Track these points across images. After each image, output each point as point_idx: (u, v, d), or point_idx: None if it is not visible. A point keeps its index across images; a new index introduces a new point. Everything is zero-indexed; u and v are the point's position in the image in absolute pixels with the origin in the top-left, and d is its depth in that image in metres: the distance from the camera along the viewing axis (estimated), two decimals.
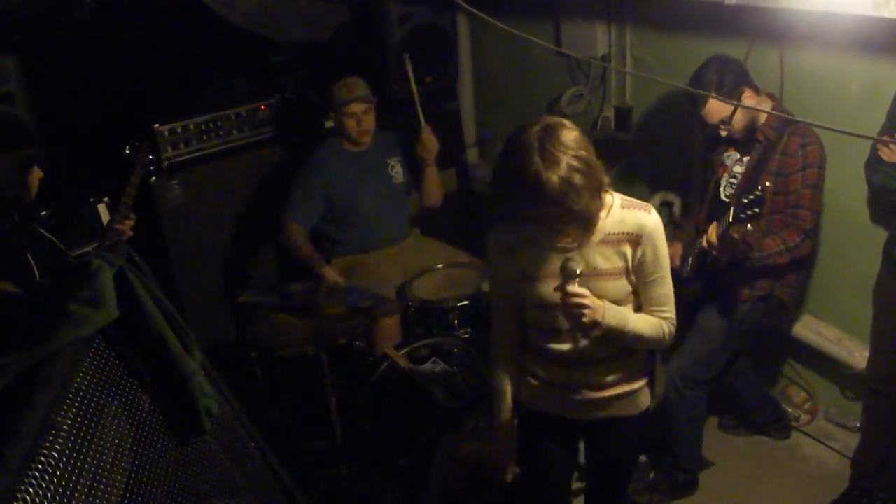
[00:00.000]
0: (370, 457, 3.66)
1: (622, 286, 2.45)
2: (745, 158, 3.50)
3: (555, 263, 2.38)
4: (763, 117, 3.40)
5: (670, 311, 2.52)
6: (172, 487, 1.56)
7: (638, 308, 2.53)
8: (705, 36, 3.95)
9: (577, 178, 2.13)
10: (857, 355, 3.71)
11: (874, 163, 3.22)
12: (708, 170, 3.71)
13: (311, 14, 4.96)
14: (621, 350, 2.55)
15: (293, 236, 4.23)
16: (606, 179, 2.29)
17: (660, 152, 4.59)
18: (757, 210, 3.06)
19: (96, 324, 1.34)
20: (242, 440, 1.91)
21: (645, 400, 2.71)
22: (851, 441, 3.85)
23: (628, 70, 4.62)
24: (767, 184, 3.16)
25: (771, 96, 3.49)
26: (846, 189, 3.64)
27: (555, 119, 2.25)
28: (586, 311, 2.31)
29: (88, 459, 1.28)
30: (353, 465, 3.69)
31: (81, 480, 1.24)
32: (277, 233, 4.34)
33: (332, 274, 4.17)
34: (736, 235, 3.21)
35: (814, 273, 3.90)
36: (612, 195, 2.42)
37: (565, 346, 2.52)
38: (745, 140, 3.46)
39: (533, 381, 2.68)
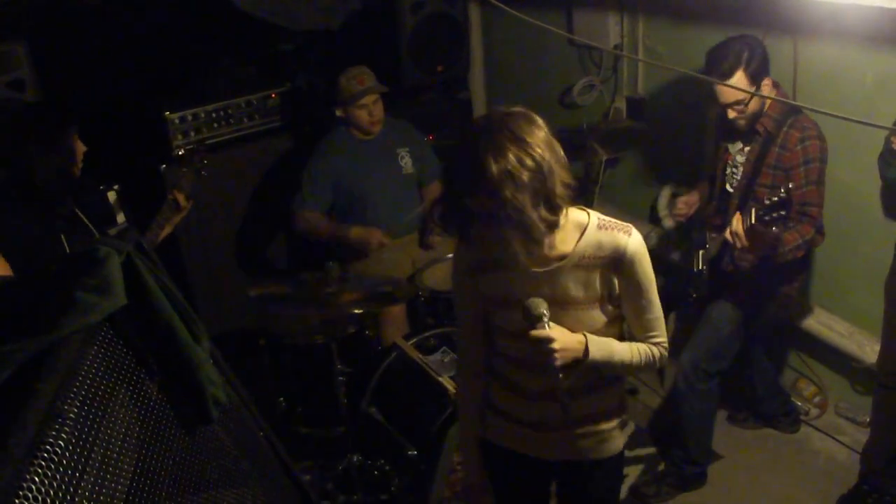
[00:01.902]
0: (378, 446, 3.66)
1: (597, 317, 2.21)
2: (747, 149, 3.48)
3: (521, 288, 2.16)
4: (767, 106, 3.37)
5: (662, 336, 2.29)
6: (180, 477, 1.55)
7: (622, 335, 2.31)
8: (718, 27, 3.91)
9: (523, 175, 1.90)
10: (867, 349, 3.70)
11: (888, 157, 3.20)
12: (716, 159, 3.69)
13: (322, 2, 4.95)
14: (593, 383, 2.33)
15: (309, 221, 4.24)
16: (566, 192, 2.02)
17: (671, 143, 4.56)
18: (783, 213, 3.02)
19: (103, 311, 1.33)
20: (251, 429, 1.90)
21: (619, 443, 2.47)
22: (861, 436, 3.83)
23: (640, 58, 4.60)
24: (791, 185, 3.08)
25: (776, 85, 3.45)
26: (859, 183, 3.62)
27: (524, 112, 2.03)
28: (557, 356, 2.07)
29: (95, 448, 1.27)
30: (361, 455, 3.68)
31: (88, 470, 1.24)
32: (291, 223, 4.32)
33: (364, 231, 4.21)
34: (762, 228, 3.18)
35: (825, 267, 3.88)
36: (587, 214, 2.19)
37: (535, 380, 2.29)
38: (747, 129, 3.42)
39: (497, 416, 2.46)
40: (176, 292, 1.56)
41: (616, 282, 2.18)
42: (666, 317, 3.84)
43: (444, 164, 2.23)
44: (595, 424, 2.40)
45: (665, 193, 4.63)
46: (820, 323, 3.90)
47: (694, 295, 3.76)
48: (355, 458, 3.69)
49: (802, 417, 4.12)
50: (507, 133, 1.93)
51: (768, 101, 3.35)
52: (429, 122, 4.97)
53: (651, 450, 4.06)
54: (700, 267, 3.70)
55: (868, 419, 3.81)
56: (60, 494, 1.15)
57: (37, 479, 1.12)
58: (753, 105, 3.32)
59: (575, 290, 2.18)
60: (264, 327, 3.93)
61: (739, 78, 3.23)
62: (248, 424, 1.88)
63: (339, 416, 3.71)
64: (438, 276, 4.23)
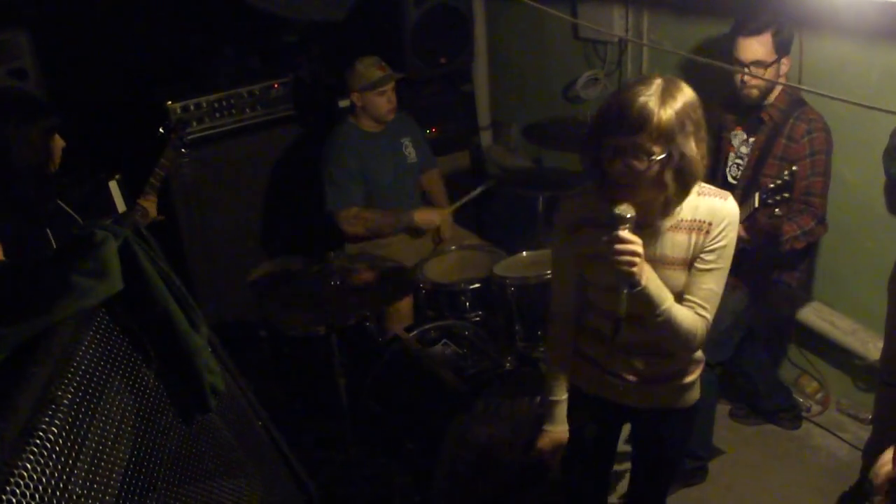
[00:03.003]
0: (378, 439, 3.65)
1: (682, 279, 2.29)
2: (751, 139, 3.46)
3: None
4: (772, 96, 3.35)
5: (710, 313, 2.32)
6: (177, 467, 1.54)
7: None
8: (723, 21, 3.89)
9: (689, 125, 2.03)
10: (870, 346, 3.68)
11: (893, 152, 3.19)
12: (718, 148, 3.66)
13: None
14: (665, 350, 2.46)
15: (359, 217, 4.23)
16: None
17: None
18: (787, 195, 3.01)
19: (100, 295, 1.32)
20: (249, 420, 1.89)
21: (695, 394, 2.62)
22: (863, 433, 3.82)
23: (645, 42, 4.58)
24: (794, 168, 3.07)
25: (786, 77, 3.43)
26: (863, 179, 3.59)
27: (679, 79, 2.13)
28: (636, 260, 2.10)
29: (89, 436, 1.26)
30: (361, 447, 3.67)
31: (81, 457, 1.22)
32: (338, 226, 4.27)
33: (428, 212, 4.32)
34: (762, 218, 3.17)
35: (829, 263, 3.86)
36: None
37: (615, 334, 2.32)
38: (752, 113, 3.40)
39: (587, 365, 2.60)
40: (174, 278, 1.55)
41: (702, 243, 2.24)
42: None
43: (593, 120, 2.22)
44: (672, 381, 2.53)
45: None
46: (823, 319, 3.87)
47: None
48: (354, 451, 3.68)
49: (804, 414, 4.10)
50: (676, 89, 2.03)
51: (776, 88, 3.33)
52: (431, 114, 4.97)
53: None
54: None
55: (870, 416, 3.79)
56: (53, 482, 1.13)
57: (28, 465, 1.10)
58: (770, 74, 3.29)
59: (671, 250, 2.27)
60: (264, 318, 3.91)
61: (767, 39, 3.24)
62: (247, 415, 1.86)
63: (339, 408, 3.69)
64: (440, 269, 4.22)
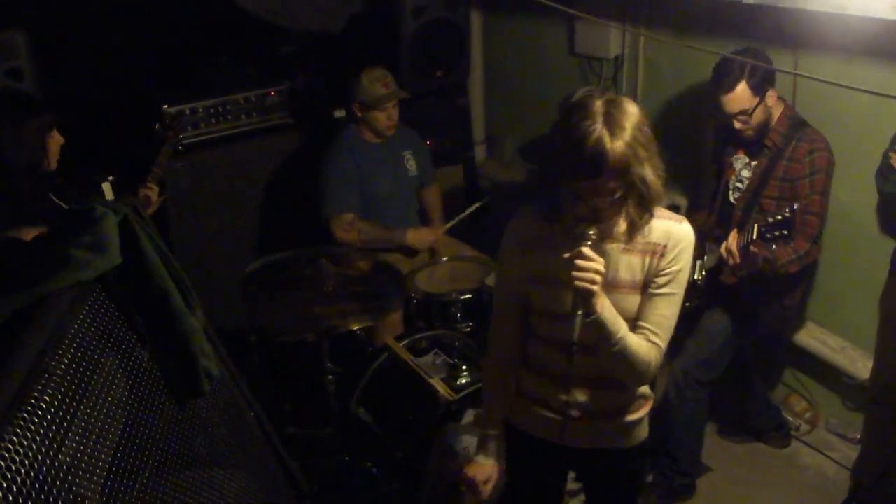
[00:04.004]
0: (367, 447, 3.62)
1: (635, 304, 2.21)
2: (753, 163, 3.48)
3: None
4: (775, 121, 3.38)
5: (663, 341, 2.21)
6: (167, 449, 1.52)
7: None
8: (719, 40, 3.93)
9: (641, 151, 1.98)
10: (859, 365, 3.69)
11: (886, 171, 3.21)
12: (718, 171, 3.69)
13: (324, 4, 4.96)
14: (616, 381, 2.31)
15: (353, 225, 4.21)
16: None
17: (669, 154, 4.54)
18: (786, 232, 3.02)
19: (97, 269, 1.31)
20: (241, 409, 1.88)
21: (642, 433, 2.49)
22: (851, 452, 3.82)
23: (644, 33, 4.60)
24: (796, 206, 3.07)
25: (782, 100, 3.47)
26: (854, 198, 3.62)
27: (619, 97, 2.08)
28: (597, 279, 2.02)
29: (81, 407, 1.25)
30: (350, 456, 3.64)
31: (73, 429, 1.21)
32: (331, 232, 4.24)
33: (421, 232, 4.30)
34: (756, 249, 3.19)
35: (819, 281, 3.88)
36: None
37: (569, 363, 2.20)
38: (755, 141, 3.43)
39: (525, 402, 2.46)
40: (172, 259, 1.54)
41: (656, 267, 2.18)
42: None
43: (545, 157, 2.20)
44: (619, 417, 2.40)
45: (661, 205, 4.61)
46: (813, 338, 3.88)
47: (687, 304, 3.75)
48: (343, 459, 3.65)
49: (793, 433, 4.10)
50: (621, 112, 1.97)
51: (776, 114, 3.36)
52: (427, 127, 4.96)
53: None
54: (697, 277, 3.69)
55: (858, 436, 3.80)
56: (43, 450, 1.12)
57: (18, 431, 1.09)
58: (759, 115, 3.33)
59: (624, 273, 2.19)
60: (255, 324, 3.89)
61: (742, 89, 3.26)
62: (240, 405, 1.85)
63: (328, 415, 3.67)
64: (432, 279, 4.22)
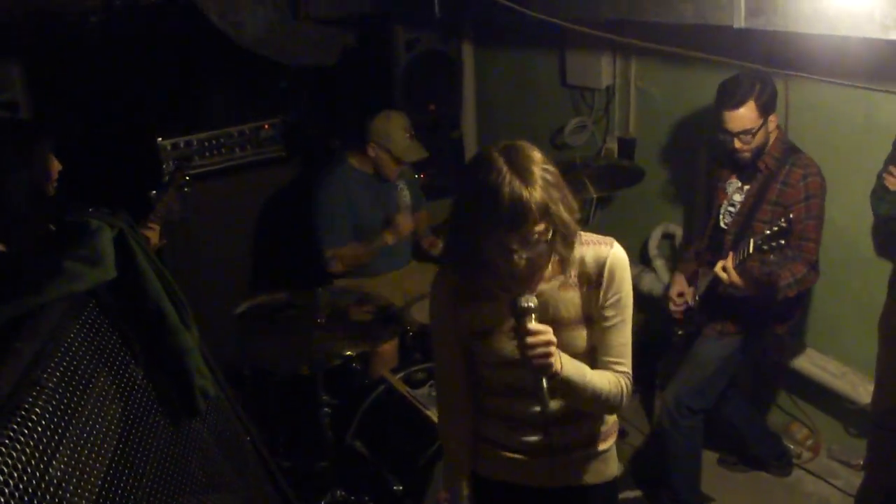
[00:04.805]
0: (364, 480, 3.58)
1: (582, 339, 2.16)
2: (746, 187, 3.48)
3: (509, 314, 2.04)
4: (769, 145, 3.39)
5: (627, 366, 2.18)
6: (162, 469, 1.49)
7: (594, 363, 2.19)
8: (709, 67, 3.94)
9: (553, 191, 1.92)
10: (860, 389, 3.66)
11: (880, 192, 3.21)
12: (710, 198, 3.69)
13: (317, 38, 4.98)
14: (580, 411, 2.25)
15: (345, 256, 4.23)
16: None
17: (662, 183, 4.57)
18: (783, 241, 3.01)
19: (91, 281, 1.29)
20: (237, 433, 1.84)
21: (613, 468, 2.41)
22: (854, 479, 3.77)
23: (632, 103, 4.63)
24: (791, 215, 3.07)
25: (777, 126, 3.48)
26: (849, 221, 3.62)
27: (516, 141, 2.00)
28: (551, 350, 1.95)
29: (73, 422, 1.22)
30: (345, 490, 3.59)
31: (64, 443, 1.18)
32: (326, 267, 4.26)
33: (395, 228, 4.25)
34: (755, 264, 3.18)
35: (817, 306, 3.87)
36: None
37: (530, 408, 2.19)
38: (749, 165, 3.43)
39: (488, 447, 2.37)
40: (168, 276, 1.52)
41: (596, 298, 2.13)
42: (654, 355, 3.83)
43: (457, 218, 2.07)
44: (587, 448, 2.33)
45: (656, 234, 4.63)
46: (812, 363, 3.86)
47: (680, 332, 3.75)
48: (339, 493, 3.60)
49: (795, 460, 4.05)
50: (523, 159, 1.92)
51: (772, 138, 3.37)
52: (420, 160, 4.98)
53: (638, 493, 3.98)
54: (691, 303, 3.68)
55: (861, 462, 3.75)
56: (33, 463, 1.09)
57: (7, 441, 1.06)
58: (760, 137, 3.33)
59: (564, 309, 2.13)
60: (248, 357, 3.86)
61: (750, 108, 3.27)
62: (235, 428, 1.81)
63: (324, 449, 3.63)
64: (427, 311, 4.18)
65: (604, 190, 4.13)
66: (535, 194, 1.88)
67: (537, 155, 1.96)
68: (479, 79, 5.52)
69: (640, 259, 4.72)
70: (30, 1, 3.45)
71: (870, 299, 3.46)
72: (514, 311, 1.96)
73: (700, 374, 3.57)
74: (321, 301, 3.57)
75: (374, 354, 4.14)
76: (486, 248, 1.98)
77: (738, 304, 3.43)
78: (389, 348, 4.16)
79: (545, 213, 1.90)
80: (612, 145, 4.80)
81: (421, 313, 4.15)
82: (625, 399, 2.18)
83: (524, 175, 1.89)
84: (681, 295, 3.73)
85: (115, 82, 4.53)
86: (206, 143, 4.55)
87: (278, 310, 3.71)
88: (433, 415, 3.46)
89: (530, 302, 1.95)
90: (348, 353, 3.50)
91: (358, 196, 4.27)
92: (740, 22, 3.16)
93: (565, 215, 1.95)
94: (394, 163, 4.24)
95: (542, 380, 1.98)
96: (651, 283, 4.58)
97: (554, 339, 1.96)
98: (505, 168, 1.89)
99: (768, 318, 3.49)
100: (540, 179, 1.90)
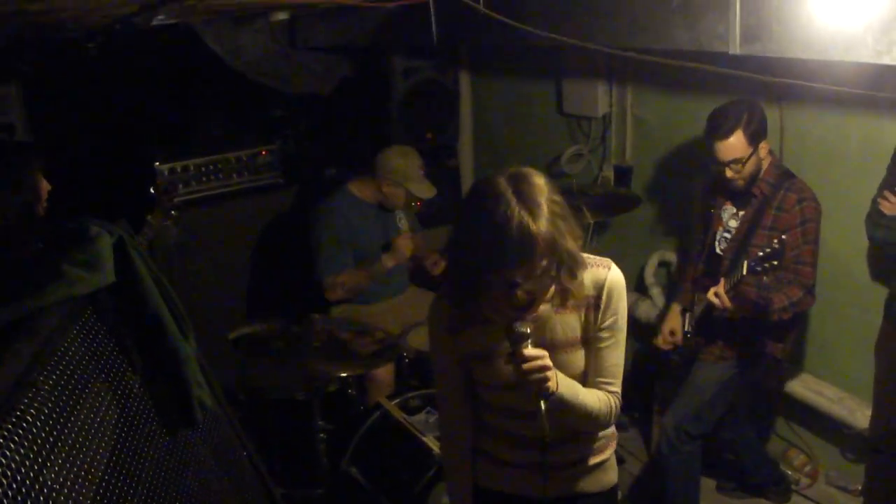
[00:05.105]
0: None
1: (580, 360, 2.17)
2: (741, 213, 3.50)
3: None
4: (763, 171, 3.41)
5: (618, 386, 2.19)
6: (158, 479, 1.47)
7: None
8: (705, 95, 3.97)
9: (560, 223, 1.88)
10: (858, 414, 3.64)
11: (875, 217, 3.21)
12: (706, 224, 3.70)
13: (315, 66, 5.03)
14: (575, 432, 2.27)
15: (343, 283, 4.21)
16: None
17: (658, 211, 4.59)
18: (775, 262, 3.02)
19: (90, 285, 1.29)
20: (235, 448, 1.82)
21: (612, 476, 2.42)
22: None
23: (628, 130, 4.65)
24: (784, 237, 3.09)
25: (771, 153, 3.50)
26: (845, 246, 3.63)
27: (520, 168, 1.96)
28: (549, 375, 1.95)
29: (69, 426, 1.21)
30: None
31: (59, 446, 1.17)
32: (325, 293, 4.24)
33: (395, 252, 4.23)
34: (750, 288, 3.18)
35: (813, 331, 3.86)
36: None
37: (531, 428, 2.13)
38: (743, 191, 3.45)
39: (488, 460, 2.38)
40: (167, 285, 1.51)
41: (594, 319, 2.14)
42: (650, 382, 3.80)
43: (460, 247, 2.02)
44: (585, 461, 2.34)
45: (652, 262, 4.63)
46: (809, 389, 3.85)
47: (677, 359, 3.74)
48: None
49: (793, 487, 4.03)
50: (530, 188, 1.87)
51: (765, 165, 3.39)
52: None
53: None
54: (686, 329, 3.68)
55: (860, 487, 3.73)
56: (27, 464, 1.08)
57: (2, 441, 1.05)
58: (751, 165, 3.35)
59: (562, 333, 2.14)
60: (244, 381, 3.84)
61: (739, 137, 3.29)
62: (233, 442, 1.79)
63: (319, 475, 3.60)
64: (424, 337, 4.17)
65: (600, 215, 4.14)
66: (543, 229, 1.84)
67: (544, 183, 1.92)
68: (477, 108, 5.56)
69: (636, 287, 4.73)
70: (29, 26, 3.48)
71: (866, 324, 3.45)
72: (510, 337, 1.96)
73: (699, 399, 3.56)
74: (317, 327, 3.57)
75: (371, 381, 4.13)
76: (487, 280, 1.95)
77: (733, 327, 3.43)
78: (386, 374, 4.15)
79: (552, 247, 1.87)
80: (609, 173, 4.82)
81: (418, 340, 4.13)
82: (612, 418, 2.20)
83: (532, 208, 1.84)
84: (672, 334, 3.74)
85: (114, 106, 4.55)
86: (203, 169, 4.57)
87: (274, 336, 3.70)
88: (430, 441, 3.44)
89: (526, 328, 1.95)
90: (343, 374, 3.49)
91: (357, 224, 4.27)
92: (736, 48, 3.18)
93: (571, 246, 1.92)
94: (405, 198, 4.27)
95: (541, 403, 1.97)
96: (647, 311, 4.57)
97: (550, 363, 1.96)
98: (513, 200, 1.84)
99: (764, 339, 3.49)
100: (548, 212, 1.86)
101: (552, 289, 2.06)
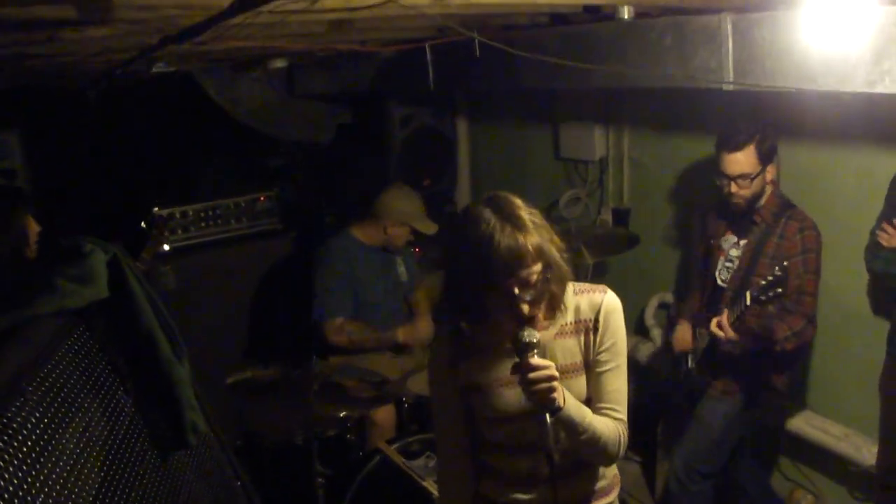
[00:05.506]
0: None
1: (583, 386, 2.18)
2: (742, 242, 3.49)
3: (508, 367, 2.07)
4: (764, 199, 3.41)
5: (623, 413, 2.18)
6: (147, 502, 1.44)
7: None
8: (701, 137, 4.00)
9: (543, 232, 1.99)
10: (864, 451, 3.58)
11: (874, 249, 3.21)
12: (707, 255, 3.69)
13: (313, 115, 5.08)
14: (581, 463, 2.25)
15: (343, 329, 4.18)
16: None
17: (657, 253, 4.58)
18: (780, 290, 3.02)
19: (82, 299, 1.28)
20: (228, 477, 1.79)
21: None
22: None
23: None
24: (786, 263, 3.09)
25: (774, 182, 3.50)
26: (845, 281, 3.61)
27: (496, 192, 2.08)
28: (555, 385, 1.96)
29: (56, 438, 1.18)
30: None
31: (46, 455, 1.14)
32: (322, 336, 4.20)
33: (412, 329, 4.24)
34: (753, 318, 3.16)
35: (816, 368, 3.83)
36: None
37: (532, 464, 2.19)
38: (742, 216, 3.44)
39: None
40: (161, 306, 1.50)
41: (593, 343, 2.16)
42: (653, 422, 3.76)
43: (455, 275, 2.10)
44: (596, 500, 2.31)
45: (652, 303, 4.61)
46: (813, 427, 3.80)
47: (680, 399, 3.71)
48: None
49: None
50: (508, 206, 1.99)
51: (768, 191, 3.39)
52: (415, 234, 5.00)
53: None
54: (690, 365, 3.65)
55: None
56: (11, 469, 1.05)
57: None
58: (757, 185, 3.34)
59: (563, 358, 2.15)
60: (241, 427, 3.80)
61: (750, 153, 3.29)
62: (226, 471, 1.76)
63: None
64: (423, 382, 4.14)
65: (600, 255, 4.14)
66: (529, 237, 1.94)
67: (519, 201, 2.03)
68: (474, 153, 5.59)
69: (636, 329, 4.70)
70: (30, 72, 3.52)
71: (869, 358, 3.42)
72: (517, 346, 1.99)
73: (706, 436, 3.52)
74: (316, 370, 3.54)
75: (371, 425, 4.09)
76: (489, 300, 2.01)
77: (737, 361, 3.40)
78: (386, 419, 4.11)
79: (540, 253, 1.96)
80: (607, 216, 4.83)
81: (417, 385, 4.10)
82: (622, 448, 2.18)
83: (514, 221, 1.95)
84: (684, 339, 3.70)
85: (114, 152, 4.58)
86: (203, 214, 4.59)
87: (272, 380, 3.67)
88: (430, 486, 3.38)
89: (533, 337, 1.99)
90: (342, 414, 3.45)
91: (360, 267, 4.28)
92: (729, 83, 3.21)
93: (556, 254, 2.00)
94: (403, 235, 4.29)
95: (545, 416, 1.98)
96: (648, 354, 4.54)
97: (556, 374, 1.97)
98: (494, 218, 1.95)
99: (768, 372, 3.45)
100: (529, 223, 1.96)
101: (543, 307, 2.08)
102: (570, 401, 2.05)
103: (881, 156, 3.35)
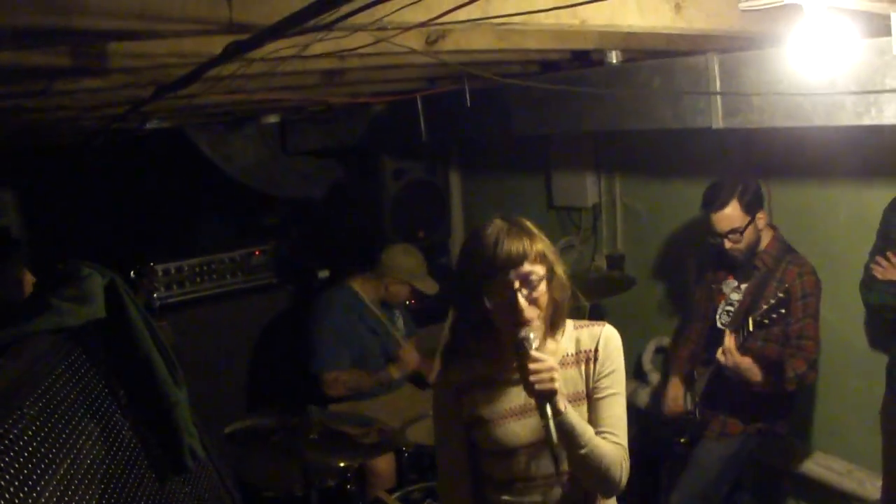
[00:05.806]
0: None
1: (586, 413, 2.19)
2: (743, 285, 3.50)
3: (513, 399, 2.16)
4: (763, 244, 3.44)
5: (623, 440, 2.17)
6: None
7: None
8: (692, 181, 4.03)
9: (550, 245, 2.10)
10: (868, 486, 3.55)
11: (869, 282, 3.22)
12: (706, 300, 3.70)
13: (306, 171, 5.12)
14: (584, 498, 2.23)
15: (343, 380, 4.21)
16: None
17: (653, 297, 4.59)
18: (783, 311, 3.04)
19: (79, 317, 1.28)
20: (223, 501, 1.76)
21: None
22: None
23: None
24: (787, 285, 3.12)
25: (772, 227, 3.54)
26: (842, 317, 3.61)
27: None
28: (555, 375, 1.99)
29: (51, 455, 1.17)
30: None
31: (39, 472, 1.13)
32: (322, 389, 4.23)
33: (402, 363, 4.29)
34: (756, 346, 3.18)
35: (816, 405, 3.81)
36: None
37: (536, 497, 2.20)
38: (744, 263, 3.47)
39: None
40: (158, 332, 1.50)
41: (594, 371, 2.19)
42: (655, 467, 3.72)
43: (460, 278, 2.16)
44: None
45: (650, 348, 4.60)
46: (816, 464, 3.76)
47: (683, 440, 3.68)
48: None
49: None
50: (519, 223, 2.09)
51: (766, 238, 3.43)
52: (409, 287, 5.01)
53: None
54: (690, 407, 3.63)
55: None
56: (3, 484, 1.04)
57: None
58: (749, 235, 3.39)
59: (565, 388, 2.14)
60: (239, 477, 3.74)
61: (734, 207, 3.35)
62: (223, 499, 1.74)
63: None
64: (423, 431, 4.11)
65: (595, 297, 4.15)
66: (533, 241, 2.05)
67: (529, 222, 2.13)
68: (467, 204, 5.63)
69: (634, 374, 4.68)
70: (26, 132, 3.56)
71: (869, 393, 3.41)
72: (516, 343, 2.03)
73: (703, 478, 3.48)
74: (314, 418, 3.50)
75: (371, 474, 4.05)
76: (489, 296, 2.04)
77: (737, 399, 3.38)
78: (386, 468, 4.08)
79: (543, 257, 2.05)
80: (601, 262, 4.85)
81: (417, 433, 4.07)
82: (624, 475, 2.15)
83: (522, 226, 2.07)
84: (676, 401, 3.70)
85: (109, 208, 4.61)
86: (198, 269, 4.61)
87: (270, 429, 3.63)
88: None
89: (530, 333, 2.03)
90: (342, 463, 3.41)
91: (359, 320, 4.31)
92: (718, 122, 3.26)
93: (559, 267, 2.09)
94: (404, 293, 4.35)
95: (546, 406, 1.99)
96: (647, 398, 4.52)
97: (555, 365, 2.01)
98: (503, 223, 2.07)
99: (767, 414, 3.44)
100: (537, 233, 2.09)
101: (544, 334, 2.13)
102: (570, 410, 2.06)
103: (873, 188, 3.38)
